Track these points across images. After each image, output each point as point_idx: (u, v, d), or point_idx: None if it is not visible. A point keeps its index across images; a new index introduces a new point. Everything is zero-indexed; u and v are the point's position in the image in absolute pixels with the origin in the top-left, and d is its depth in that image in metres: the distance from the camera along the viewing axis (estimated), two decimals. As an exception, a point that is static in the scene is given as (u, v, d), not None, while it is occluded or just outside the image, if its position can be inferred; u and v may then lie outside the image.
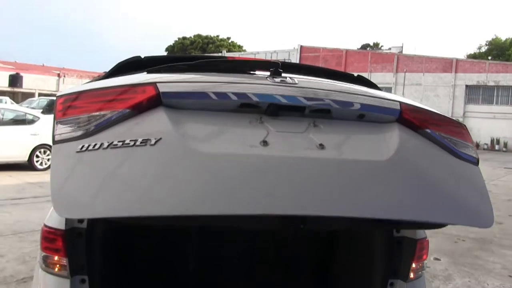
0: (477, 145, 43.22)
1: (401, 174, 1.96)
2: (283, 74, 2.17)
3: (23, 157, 12.32)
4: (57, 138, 1.81)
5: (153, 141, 1.74)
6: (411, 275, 2.63)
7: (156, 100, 1.86)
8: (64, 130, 1.82)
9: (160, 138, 1.76)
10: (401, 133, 2.08)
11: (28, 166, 12.39)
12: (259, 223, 2.03)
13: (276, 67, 2.21)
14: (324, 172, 1.86)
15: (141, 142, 1.74)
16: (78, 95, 1.93)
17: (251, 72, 2.40)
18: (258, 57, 45.43)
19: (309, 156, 1.86)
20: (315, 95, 2.02)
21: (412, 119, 2.14)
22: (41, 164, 12.63)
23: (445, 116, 2.29)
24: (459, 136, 2.22)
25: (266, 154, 1.83)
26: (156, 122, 1.82)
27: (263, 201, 1.71)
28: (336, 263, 3.29)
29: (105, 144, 1.74)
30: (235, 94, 1.93)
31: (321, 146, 1.90)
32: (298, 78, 2.19)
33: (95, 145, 1.74)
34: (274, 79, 2.09)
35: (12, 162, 12.18)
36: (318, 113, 2.02)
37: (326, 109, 2.02)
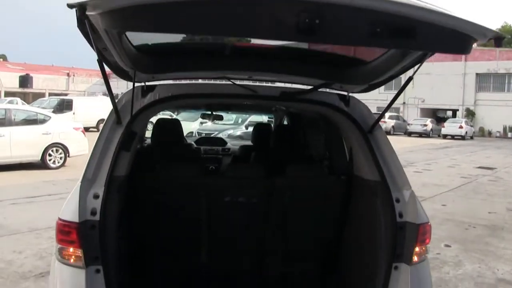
0: (490, 133, 42.95)
1: None
2: None
3: (36, 156, 12.45)
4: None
5: None
6: (415, 259, 2.70)
7: None
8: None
9: None
10: None
11: (41, 165, 12.54)
12: (275, 32, 1.93)
13: None
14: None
15: None
16: None
17: None
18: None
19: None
20: None
21: None
22: (53, 162, 12.76)
23: None
24: None
25: None
26: None
27: None
28: (343, 249, 3.36)
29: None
30: None
31: None
32: None
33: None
34: None
35: (25, 162, 12.32)
36: None
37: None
